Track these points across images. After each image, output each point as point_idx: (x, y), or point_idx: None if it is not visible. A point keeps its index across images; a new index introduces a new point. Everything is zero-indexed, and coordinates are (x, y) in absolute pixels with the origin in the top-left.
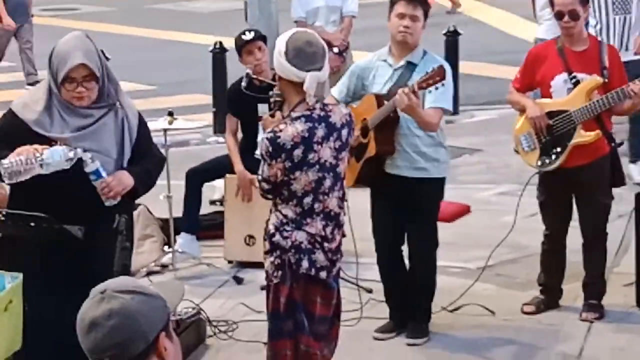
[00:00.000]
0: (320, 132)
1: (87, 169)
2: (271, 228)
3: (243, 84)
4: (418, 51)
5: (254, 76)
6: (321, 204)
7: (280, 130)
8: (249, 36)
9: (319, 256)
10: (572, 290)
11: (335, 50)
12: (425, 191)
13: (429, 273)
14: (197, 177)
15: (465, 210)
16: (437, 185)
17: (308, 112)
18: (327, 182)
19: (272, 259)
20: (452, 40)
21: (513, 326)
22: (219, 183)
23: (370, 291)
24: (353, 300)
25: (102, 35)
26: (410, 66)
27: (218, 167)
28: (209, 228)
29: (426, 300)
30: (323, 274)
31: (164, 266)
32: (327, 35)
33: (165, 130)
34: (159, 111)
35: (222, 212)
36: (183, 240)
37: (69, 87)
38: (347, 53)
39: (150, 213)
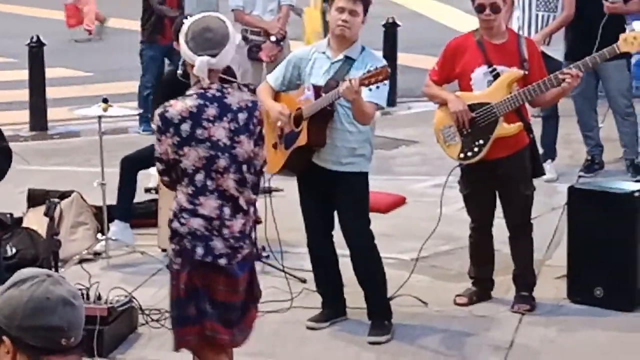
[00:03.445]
0: (211, 110)
1: None
2: (171, 215)
3: (179, 71)
4: (356, 46)
5: None
6: (214, 181)
7: (170, 105)
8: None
9: (217, 243)
10: (504, 282)
11: (273, 39)
12: (350, 185)
13: (372, 266)
14: (132, 165)
15: (400, 202)
16: (361, 179)
17: (202, 91)
18: (222, 162)
19: (172, 245)
20: (390, 32)
21: (445, 317)
22: (154, 171)
23: (304, 281)
24: (286, 290)
25: (39, 20)
26: (349, 61)
27: (153, 155)
28: (142, 216)
29: (380, 296)
30: (222, 261)
31: (97, 254)
32: (264, 24)
33: (99, 117)
34: (94, 98)
35: (156, 200)
36: (116, 228)
37: None
38: (284, 42)
39: (84, 200)
